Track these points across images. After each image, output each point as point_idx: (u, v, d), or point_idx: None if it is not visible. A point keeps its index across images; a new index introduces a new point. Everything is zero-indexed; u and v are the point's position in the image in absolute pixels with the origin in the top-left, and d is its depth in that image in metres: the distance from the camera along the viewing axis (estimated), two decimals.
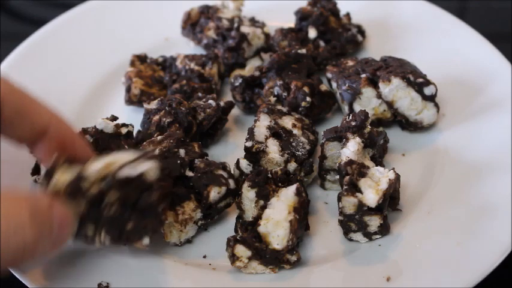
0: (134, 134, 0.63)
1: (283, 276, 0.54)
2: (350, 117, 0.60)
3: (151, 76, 0.72)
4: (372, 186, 0.54)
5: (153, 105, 0.65)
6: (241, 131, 0.69)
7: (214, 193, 0.56)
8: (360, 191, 0.54)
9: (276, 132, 0.62)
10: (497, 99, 0.69)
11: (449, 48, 0.76)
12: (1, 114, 0.48)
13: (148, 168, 0.49)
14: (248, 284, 0.53)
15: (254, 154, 0.59)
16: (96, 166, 0.48)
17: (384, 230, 0.56)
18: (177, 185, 0.57)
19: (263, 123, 0.62)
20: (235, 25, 0.74)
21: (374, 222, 0.55)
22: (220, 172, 0.58)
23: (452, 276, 0.52)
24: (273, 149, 0.60)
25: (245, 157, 0.60)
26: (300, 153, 0.61)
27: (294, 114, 0.65)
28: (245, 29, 0.74)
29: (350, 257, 0.56)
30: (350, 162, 0.56)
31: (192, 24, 0.78)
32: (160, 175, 0.50)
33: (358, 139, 0.58)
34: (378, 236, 0.56)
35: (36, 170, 0.60)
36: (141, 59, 0.74)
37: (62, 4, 0.89)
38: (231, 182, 0.58)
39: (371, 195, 0.53)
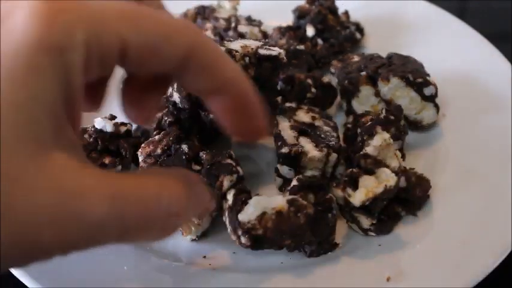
0: (134, 131, 0.63)
1: (283, 276, 0.54)
2: (384, 112, 0.60)
3: None
4: (368, 187, 0.54)
5: None
6: None
7: (227, 182, 0.57)
8: (357, 187, 0.54)
9: (302, 130, 0.61)
10: (497, 99, 0.69)
11: (449, 48, 0.76)
12: (189, 69, 0.41)
13: (281, 51, 0.58)
14: (248, 285, 0.53)
15: (293, 158, 0.59)
16: (235, 45, 0.56)
17: (378, 230, 0.56)
18: None
19: (284, 124, 0.62)
20: (233, 25, 0.74)
21: (363, 220, 0.55)
22: (228, 161, 0.58)
23: (452, 276, 0.52)
24: (309, 147, 0.59)
25: (283, 163, 0.59)
26: (333, 142, 0.60)
27: (303, 107, 0.65)
28: (242, 28, 0.74)
29: (350, 257, 0.56)
30: (365, 155, 0.56)
31: None
32: None
33: (385, 134, 0.57)
34: (372, 234, 0.56)
35: None
36: None
37: None
38: (240, 169, 0.58)
39: (358, 195, 0.53)
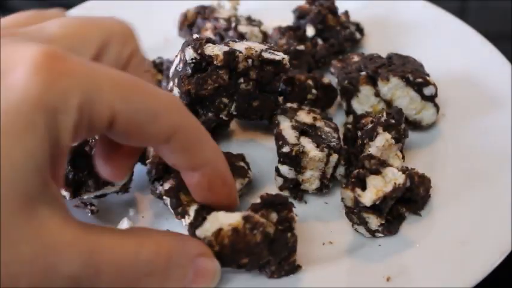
0: None
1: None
2: (385, 116, 0.60)
3: None
4: (377, 186, 0.54)
5: None
6: (242, 130, 0.69)
7: (239, 184, 0.57)
8: (365, 187, 0.54)
9: (303, 130, 0.61)
10: (497, 100, 0.69)
11: (449, 48, 0.76)
12: (169, 146, 0.43)
13: (285, 57, 0.58)
14: (248, 284, 0.53)
15: (294, 158, 0.59)
16: (240, 46, 0.57)
17: (387, 230, 0.56)
18: None
19: (285, 124, 0.62)
20: (233, 25, 0.74)
21: (372, 220, 0.55)
22: (241, 164, 0.58)
23: (452, 276, 0.52)
24: (310, 146, 0.59)
25: (284, 163, 0.59)
26: (334, 143, 0.60)
27: (304, 108, 0.65)
28: (242, 28, 0.74)
29: (350, 257, 0.56)
30: (370, 156, 0.56)
31: (189, 25, 0.78)
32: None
33: (387, 135, 0.57)
34: (380, 235, 0.56)
35: None
36: None
37: (62, 4, 0.89)
38: (251, 173, 0.59)
39: (369, 194, 0.53)
